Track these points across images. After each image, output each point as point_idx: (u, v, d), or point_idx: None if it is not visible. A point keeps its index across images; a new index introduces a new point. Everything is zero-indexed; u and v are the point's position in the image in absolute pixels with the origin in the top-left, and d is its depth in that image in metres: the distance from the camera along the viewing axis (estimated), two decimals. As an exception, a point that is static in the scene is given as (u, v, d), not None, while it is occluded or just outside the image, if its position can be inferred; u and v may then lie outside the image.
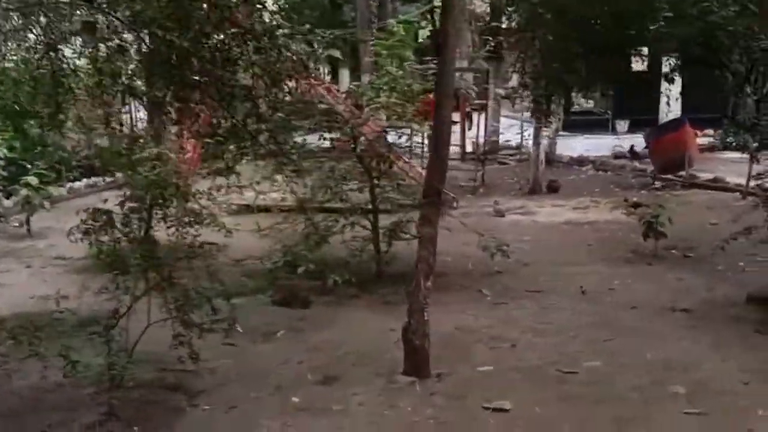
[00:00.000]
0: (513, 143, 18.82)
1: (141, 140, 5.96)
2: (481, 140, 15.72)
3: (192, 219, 5.08)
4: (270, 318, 7.19)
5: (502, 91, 15.72)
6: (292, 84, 6.28)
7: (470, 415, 4.95)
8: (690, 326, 6.55)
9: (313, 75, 9.89)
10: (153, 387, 5.46)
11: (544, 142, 15.60)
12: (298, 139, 8.84)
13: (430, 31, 28.69)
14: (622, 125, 20.50)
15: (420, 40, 25.78)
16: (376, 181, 8.66)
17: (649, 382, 5.39)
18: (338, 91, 10.65)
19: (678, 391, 5.20)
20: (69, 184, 14.04)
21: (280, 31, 5.89)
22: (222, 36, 5.88)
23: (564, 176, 15.49)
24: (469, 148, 16.89)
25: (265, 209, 10.38)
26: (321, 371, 5.72)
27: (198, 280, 5.29)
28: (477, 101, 16.81)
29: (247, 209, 10.80)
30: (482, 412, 4.96)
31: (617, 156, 17.18)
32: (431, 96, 16.76)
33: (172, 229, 5.06)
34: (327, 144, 8.94)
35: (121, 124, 8.60)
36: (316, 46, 9.51)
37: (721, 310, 6.92)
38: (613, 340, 6.26)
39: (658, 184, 13.86)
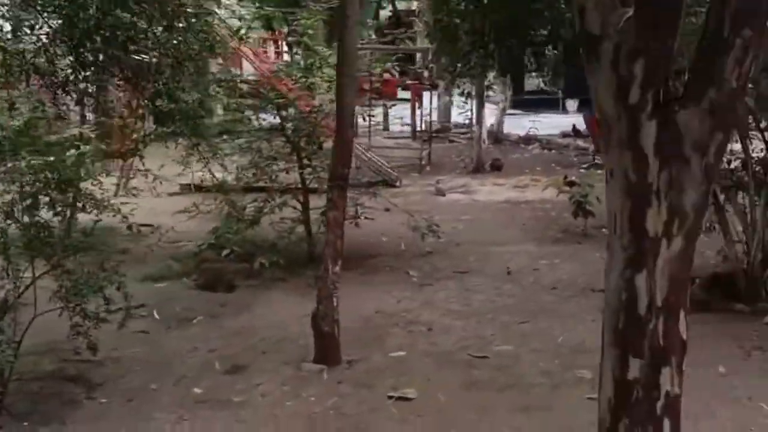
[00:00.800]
0: (465, 122, 18.78)
1: (43, 120, 5.69)
2: (426, 119, 15.62)
3: (84, 203, 4.86)
4: (191, 303, 7.03)
5: (426, 72, 15.61)
6: (200, 64, 6.09)
7: (373, 404, 4.87)
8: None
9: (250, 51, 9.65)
10: (54, 378, 5.29)
11: (490, 120, 15.58)
12: (253, 119, 8.61)
13: (390, 10, 28.40)
14: (572, 104, 20.66)
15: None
16: (306, 161, 8.50)
17: (558, 366, 5.40)
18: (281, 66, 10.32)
19: (584, 375, 5.17)
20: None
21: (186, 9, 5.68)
22: (124, 14, 5.66)
23: (510, 154, 15.50)
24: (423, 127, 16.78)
25: (203, 188, 10.14)
26: (230, 360, 5.58)
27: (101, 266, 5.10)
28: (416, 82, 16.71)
29: (189, 189, 10.57)
30: (386, 402, 4.88)
31: (565, 135, 17.33)
32: (387, 75, 16.60)
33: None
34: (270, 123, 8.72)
35: (43, 104, 8.25)
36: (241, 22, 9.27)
37: (639, 291, 6.95)
38: (528, 322, 6.26)
39: (598, 161, 13.94)
